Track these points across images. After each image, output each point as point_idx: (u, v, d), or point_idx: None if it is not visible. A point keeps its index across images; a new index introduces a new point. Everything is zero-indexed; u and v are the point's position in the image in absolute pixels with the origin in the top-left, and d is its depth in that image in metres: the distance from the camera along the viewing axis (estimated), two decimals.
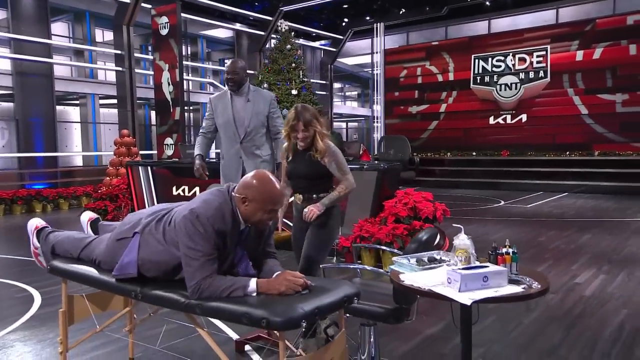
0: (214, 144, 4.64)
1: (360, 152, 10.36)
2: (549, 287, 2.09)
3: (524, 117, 15.10)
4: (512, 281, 2.09)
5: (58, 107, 14.66)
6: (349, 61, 23.82)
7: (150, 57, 14.32)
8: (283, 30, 14.71)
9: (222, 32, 19.54)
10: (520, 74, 15.14)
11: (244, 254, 2.26)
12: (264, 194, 2.16)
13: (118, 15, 12.91)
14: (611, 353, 3.14)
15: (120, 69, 13.06)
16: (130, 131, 12.01)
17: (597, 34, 13.96)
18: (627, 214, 8.93)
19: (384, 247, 4.03)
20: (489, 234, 6.86)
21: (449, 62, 16.54)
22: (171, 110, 11.86)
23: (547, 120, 14.63)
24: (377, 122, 18.70)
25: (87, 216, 2.94)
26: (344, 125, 29.60)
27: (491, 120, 15.62)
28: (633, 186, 11.81)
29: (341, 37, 19.97)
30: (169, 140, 11.89)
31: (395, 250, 4.40)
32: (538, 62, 14.87)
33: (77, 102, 17.19)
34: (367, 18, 18.76)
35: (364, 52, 21.72)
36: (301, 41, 17.07)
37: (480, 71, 15.86)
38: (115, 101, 13.97)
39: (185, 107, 13.66)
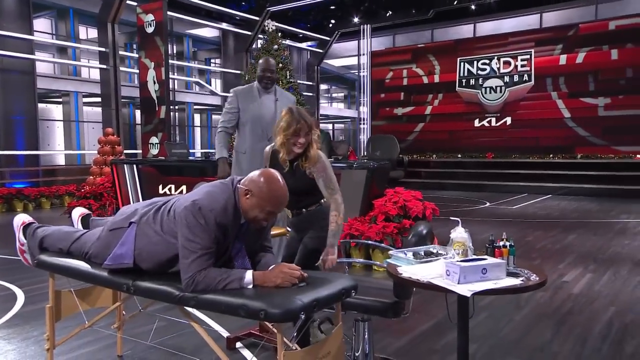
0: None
1: (347, 153, 10.36)
2: (547, 280, 2.09)
3: (508, 119, 15.28)
4: (510, 273, 2.09)
5: (40, 105, 14.40)
6: (336, 63, 23.87)
7: (135, 55, 14.15)
8: (270, 30, 14.67)
9: (208, 31, 19.42)
10: (505, 77, 15.32)
11: (242, 248, 2.22)
12: (268, 193, 2.11)
13: (102, 12, 12.73)
14: (602, 348, 3.17)
15: (104, 66, 12.88)
16: (115, 130, 11.85)
17: (579, 38, 14.20)
18: (610, 215, 9.06)
19: (374, 243, 4.02)
20: (477, 233, 6.82)
21: (435, 64, 16.66)
22: (157, 108, 11.73)
23: (531, 123, 14.81)
24: (364, 123, 18.75)
25: (78, 212, 2.87)
26: (330, 126, 29.64)
27: (476, 123, 15.77)
28: (614, 188, 12.00)
29: (328, 38, 20.00)
30: (154, 139, 11.75)
31: (384, 245, 4.41)
32: (522, 66, 15.07)
33: (60, 100, 16.90)
34: (354, 20, 18.82)
35: (351, 54, 21.79)
36: (288, 42, 17.02)
37: (466, 74, 16.01)
38: (99, 99, 13.76)
39: (171, 107, 13.53)
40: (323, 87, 26.72)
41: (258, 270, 2.19)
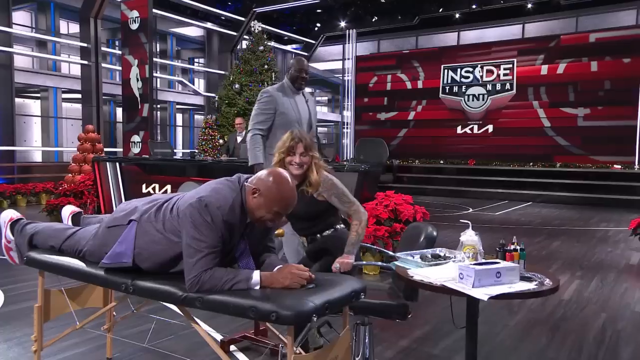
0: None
1: (334, 156, 10.35)
2: (559, 285, 2.07)
3: (490, 127, 15.47)
4: (523, 278, 2.06)
5: (17, 100, 14.01)
6: (320, 66, 23.86)
7: (118, 51, 13.89)
8: (256, 31, 14.56)
9: (192, 30, 19.22)
10: (488, 85, 15.52)
11: (246, 248, 2.14)
12: (276, 194, 2.03)
13: (85, 7, 12.47)
14: (598, 355, 3.17)
15: (85, 62, 12.61)
16: (95, 127, 11.59)
17: (561, 49, 14.48)
18: (591, 223, 9.22)
19: (366, 245, 3.96)
20: None
21: (419, 71, 16.78)
22: (139, 106, 11.52)
23: (512, 131, 15.02)
24: (347, 127, 18.76)
25: (68, 210, 2.75)
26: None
27: (459, 130, 15.93)
28: (592, 197, 12.22)
29: (313, 41, 20.00)
30: (135, 138, 11.54)
31: (383, 250, 4.36)
32: (505, 75, 15.28)
33: (38, 95, 16.48)
34: (340, 24, 18.85)
35: (336, 58, 21.81)
36: (273, 44, 16.95)
37: (449, 81, 16.17)
38: (79, 96, 13.46)
39: (154, 105, 13.28)
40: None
41: (262, 271, 2.12)
